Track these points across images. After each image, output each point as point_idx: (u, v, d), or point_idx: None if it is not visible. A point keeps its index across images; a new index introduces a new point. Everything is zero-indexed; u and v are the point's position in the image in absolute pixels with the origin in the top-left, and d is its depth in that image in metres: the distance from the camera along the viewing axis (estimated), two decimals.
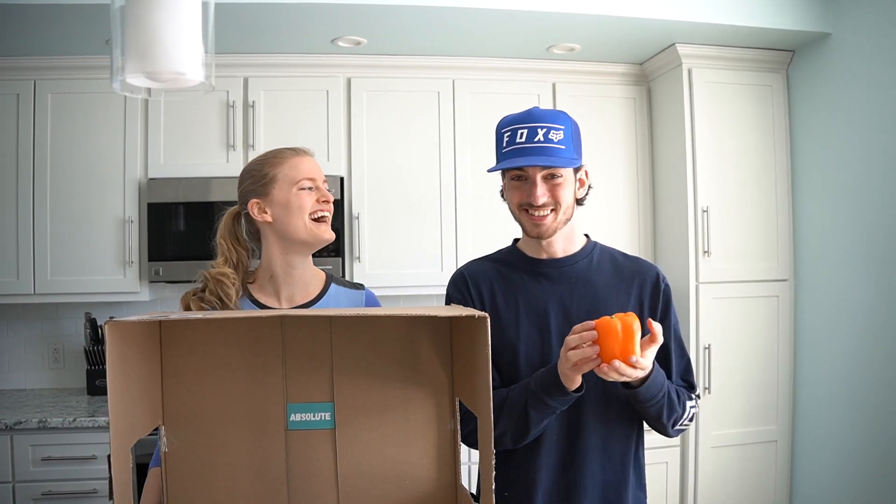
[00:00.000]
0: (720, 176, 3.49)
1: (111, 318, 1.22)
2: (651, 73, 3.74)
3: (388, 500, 1.60)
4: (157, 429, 1.52)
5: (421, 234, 3.57)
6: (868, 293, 3.14)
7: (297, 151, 1.81)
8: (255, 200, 1.80)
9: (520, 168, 1.65)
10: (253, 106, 3.45)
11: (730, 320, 3.48)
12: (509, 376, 1.74)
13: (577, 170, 1.70)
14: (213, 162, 3.44)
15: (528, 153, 1.61)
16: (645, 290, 1.74)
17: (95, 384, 3.52)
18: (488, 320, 1.29)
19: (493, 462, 1.32)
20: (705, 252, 3.43)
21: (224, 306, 1.80)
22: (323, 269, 1.93)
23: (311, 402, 1.58)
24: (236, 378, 1.56)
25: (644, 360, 1.48)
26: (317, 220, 1.75)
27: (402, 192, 3.55)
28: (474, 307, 1.74)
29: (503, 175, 1.75)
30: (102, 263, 3.40)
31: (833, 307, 3.35)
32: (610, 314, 1.58)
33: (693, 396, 1.76)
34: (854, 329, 3.21)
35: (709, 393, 3.43)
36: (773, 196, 3.58)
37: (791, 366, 3.57)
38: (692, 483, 3.45)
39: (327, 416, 1.58)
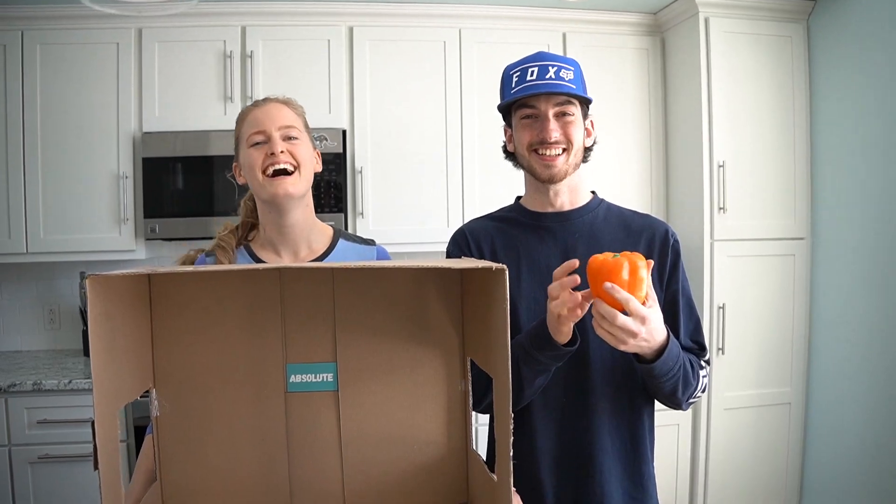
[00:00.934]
0: (737, 130, 3.38)
1: (85, 273, 1.11)
2: (665, 23, 3.61)
3: (395, 465, 1.51)
4: (147, 392, 1.43)
5: (426, 188, 3.48)
6: (887, 253, 3.05)
7: (256, 104, 1.68)
8: (235, 163, 1.73)
9: (531, 106, 1.58)
10: (251, 56, 3.34)
11: (745, 279, 3.39)
12: (511, 335, 1.63)
13: (585, 115, 1.64)
14: (210, 115, 3.33)
15: (541, 87, 1.56)
16: (654, 246, 1.65)
17: None
18: (507, 272, 1.18)
19: (511, 427, 1.22)
20: (721, 208, 3.32)
21: None
22: (330, 225, 1.81)
23: (312, 363, 1.49)
24: (232, 337, 1.46)
25: (653, 313, 1.36)
26: (272, 175, 1.62)
27: (407, 145, 3.45)
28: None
29: (509, 122, 1.69)
30: (97, 221, 3.32)
31: (851, 267, 3.26)
32: None
33: (704, 363, 1.68)
34: (872, 289, 3.12)
35: (722, 354, 3.35)
36: (791, 152, 3.47)
37: (806, 327, 3.49)
38: (703, 446, 3.38)
39: (329, 377, 1.49)
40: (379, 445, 1.50)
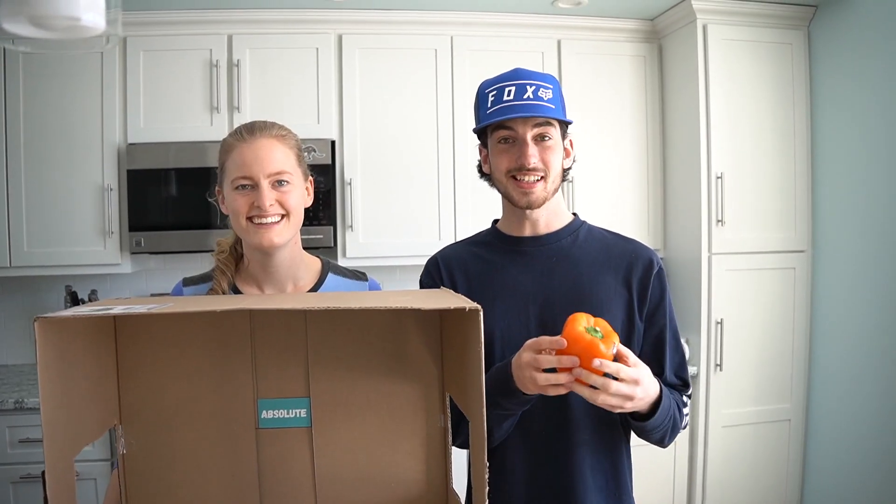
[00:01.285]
0: (736, 140, 3.30)
1: (38, 316, 1.04)
2: (662, 30, 3.54)
3: None
4: (113, 428, 1.37)
5: (417, 200, 3.42)
6: (889, 266, 2.98)
7: (242, 137, 1.53)
8: (217, 188, 1.62)
9: (509, 128, 1.50)
10: (238, 65, 3.27)
11: (743, 293, 3.31)
12: (487, 364, 1.55)
13: (563, 135, 1.57)
14: (196, 126, 3.27)
15: (516, 110, 1.48)
16: (635, 272, 1.57)
17: None
18: (480, 313, 1.11)
19: (487, 468, 1.15)
20: (719, 221, 3.25)
21: None
22: (319, 257, 1.73)
23: (284, 398, 1.44)
24: (201, 372, 1.41)
25: (641, 371, 1.34)
26: (257, 223, 1.52)
27: (397, 156, 3.39)
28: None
29: (485, 142, 1.61)
30: (81, 234, 3.25)
31: (852, 280, 3.18)
32: (594, 297, 1.53)
33: (686, 399, 1.61)
34: (874, 303, 3.04)
35: (720, 370, 3.28)
36: (792, 162, 3.40)
37: (807, 341, 3.42)
38: (700, 465, 3.31)
39: (303, 412, 1.44)
40: (355, 484, 1.44)
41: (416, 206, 3.40)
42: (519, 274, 1.60)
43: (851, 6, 3.15)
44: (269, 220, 1.51)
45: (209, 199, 1.67)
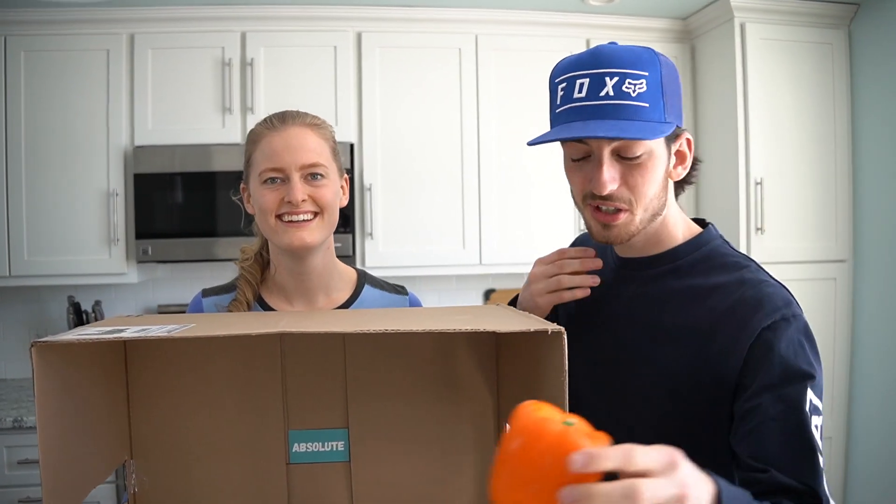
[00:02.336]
0: (775, 145, 3.18)
1: (35, 341, 0.88)
2: (696, 30, 3.43)
3: None
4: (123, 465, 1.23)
5: (440, 207, 3.31)
6: None
7: (272, 125, 1.39)
8: (243, 185, 1.46)
9: (579, 139, 1.13)
10: (251, 64, 3.17)
11: None
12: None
13: (673, 141, 1.18)
14: (207, 127, 3.17)
15: (588, 114, 1.10)
16: (726, 328, 1.13)
17: None
18: (564, 336, 0.94)
19: None
20: (758, 229, 3.12)
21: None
22: (354, 267, 1.57)
23: (319, 429, 1.31)
24: (223, 399, 1.28)
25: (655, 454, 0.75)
26: (287, 221, 1.36)
27: (420, 160, 3.28)
28: None
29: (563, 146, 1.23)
30: (85, 242, 3.15)
31: (895, 291, 3.06)
32: (658, 355, 1.18)
33: None
34: None
35: None
36: (833, 168, 3.28)
37: (848, 355, 3.29)
38: None
39: (340, 445, 1.31)
40: None
41: (439, 212, 3.30)
42: (603, 299, 1.29)
43: (895, 4, 3.03)
44: (301, 217, 1.34)
45: (233, 199, 1.50)
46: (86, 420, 1.06)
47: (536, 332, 0.99)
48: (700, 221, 1.30)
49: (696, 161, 1.24)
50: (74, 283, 3.21)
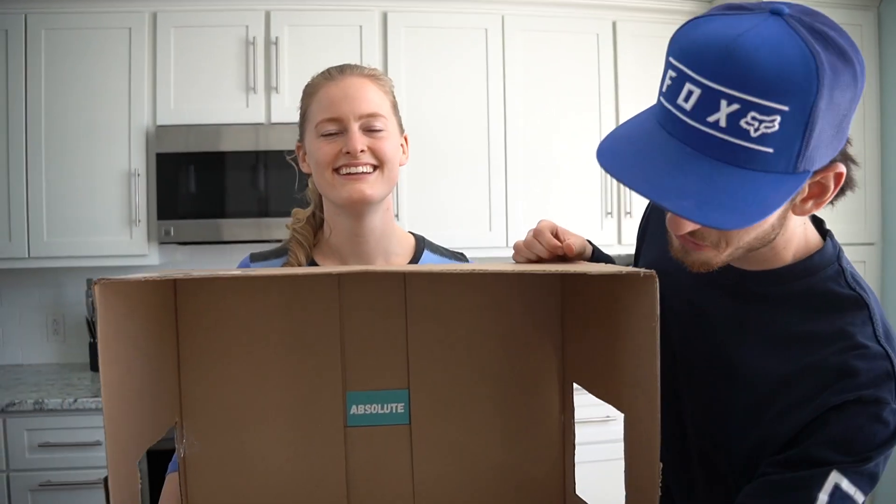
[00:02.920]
0: None
1: (93, 280, 0.85)
2: None
3: None
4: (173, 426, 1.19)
5: (466, 189, 3.31)
6: None
7: (330, 76, 1.35)
8: (298, 143, 1.41)
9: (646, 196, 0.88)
10: (276, 43, 3.17)
11: None
12: None
13: (811, 175, 0.85)
14: (231, 107, 3.17)
15: (684, 136, 0.83)
16: (795, 390, 0.95)
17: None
18: (657, 280, 0.89)
19: (659, 478, 0.92)
20: None
21: None
22: (412, 233, 1.53)
23: (378, 391, 1.27)
24: (278, 360, 1.25)
25: None
26: (345, 174, 1.31)
27: (445, 141, 3.27)
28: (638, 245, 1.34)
29: None
30: (105, 223, 3.14)
31: None
32: (717, 380, 1.03)
33: None
34: None
35: None
36: (861, 150, 3.29)
37: None
38: None
39: (400, 407, 1.27)
40: (459, 491, 1.27)
41: (465, 195, 3.30)
42: (687, 307, 1.10)
43: None
44: (361, 169, 1.29)
45: (287, 159, 1.45)
46: (141, 374, 1.03)
47: (627, 275, 0.95)
48: (818, 224, 1.08)
49: (846, 188, 0.97)
50: (94, 265, 3.19)
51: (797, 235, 1.00)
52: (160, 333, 1.12)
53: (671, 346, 1.08)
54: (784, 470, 0.91)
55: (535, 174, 3.34)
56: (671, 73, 0.84)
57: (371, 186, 1.29)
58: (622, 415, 1.02)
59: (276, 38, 3.16)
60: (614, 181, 3.30)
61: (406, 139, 1.42)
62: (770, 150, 0.79)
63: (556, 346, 1.25)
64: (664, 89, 0.86)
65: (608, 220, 3.37)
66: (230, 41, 3.16)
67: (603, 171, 3.23)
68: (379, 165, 1.31)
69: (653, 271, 0.89)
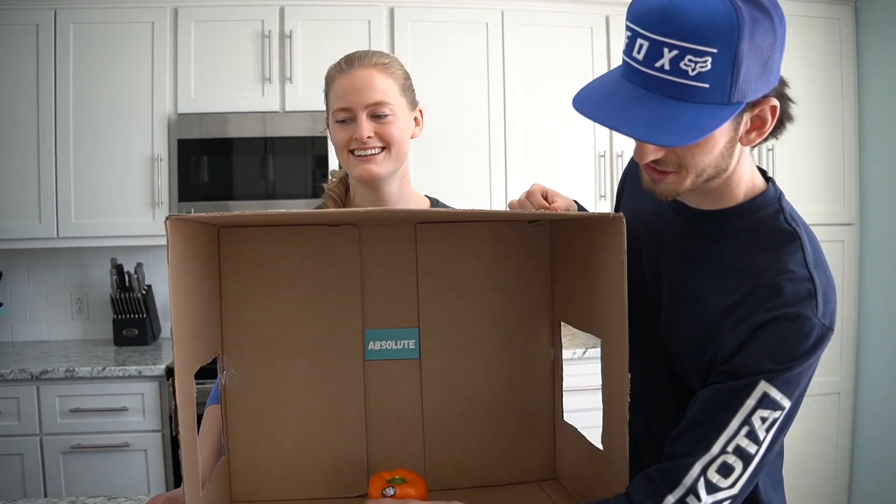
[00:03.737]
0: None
1: (170, 215, 1.04)
2: None
3: (479, 440, 1.44)
4: (216, 358, 1.35)
5: (468, 172, 3.46)
6: None
7: (340, 68, 1.51)
8: (326, 119, 1.58)
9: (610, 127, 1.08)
10: (290, 36, 3.30)
11: None
12: None
13: (751, 108, 1.04)
14: (247, 96, 3.31)
15: (640, 81, 1.00)
16: (737, 313, 1.11)
17: (122, 334, 3.41)
18: (623, 221, 1.09)
19: (628, 388, 1.12)
20: None
21: None
22: (428, 196, 1.71)
23: (393, 328, 1.42)
24: (306, 301, 1.39)
25: None
26: (358, 156, 1.49)
27: (449, 127, 3.40)
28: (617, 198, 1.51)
29: None
30: (130, 205, 3.28)
31: None
32: (706, 307, 1.15)
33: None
34: None
35: None
36: (840, 135, 3.47)
37: (856, 315, 3.46)
38: None
39: (411, 344, 1.42)
40: (462, 417, 1.43)
41: (466, 178, 3.45)
42: (663, 245, 1.27)
43: None
44: (369, 151, 1.47)
45: (321, 133, 1.65)
46: (196, 306, 1.18)
47: (600, 217, 1.14)
48: (763, 174, 1.22)
49: (784, 121, 1.12)
50: (118, 245, 3.34)
51: (745, 178, 1.16)
52: (208, 274, 1.28)
53: (645, 283, 1.28)
54: (726, 379, 1.07)
55: (532, 160, 3.48)
56: (627, 32, 1.02)
57: (379, 166, 1.48)
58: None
59: (290, 31, 3.29)
60: (608, 167, 3.49)
61: (421, 112, 1.59)
62: (706, 86, 0.96)
63: (546, 289, 1.43)
64: (624, 47, 1.03)
65: (602, 202, 3.51)
66: (247, 34, 3.29)
67: (596, 157, 3.43)
68: (386, 147, 1.48)
69: (620, 214, 1.09)
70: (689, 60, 0.95)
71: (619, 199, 1.50)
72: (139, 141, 3.26)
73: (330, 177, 1.65)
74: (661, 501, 1.06)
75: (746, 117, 1.05)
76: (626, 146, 3.52)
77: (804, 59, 3.35)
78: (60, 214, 3.24)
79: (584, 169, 3.51)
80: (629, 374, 1.11)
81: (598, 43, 3.52)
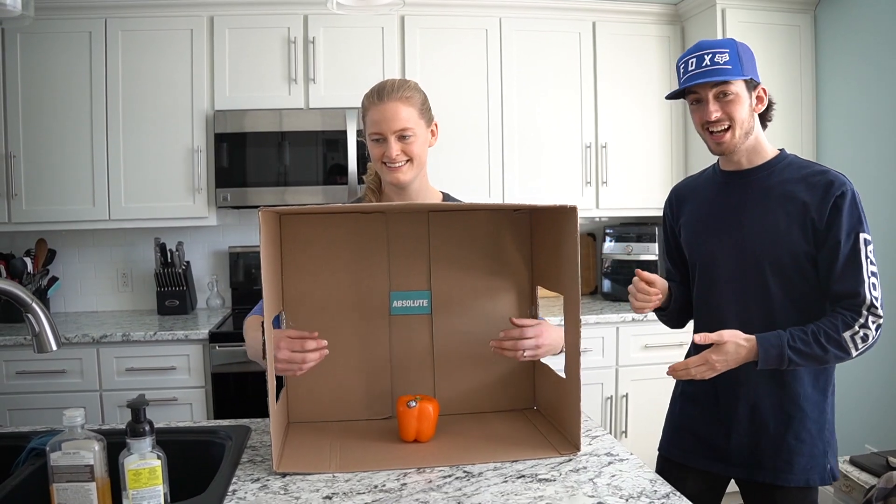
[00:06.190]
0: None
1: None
2: (685, 13, 3.87)
3: (477, 377, 1.82)
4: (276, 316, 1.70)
5: (468, 168, 3.76)
6: (894, 237, 3.21)
7: (373, 101, 1.84)
8: (365, 132, 1.93)
9: (695, 92, 1.83)
10: (313, 42, 3.59)
11: None
12: (695, 278, 2.05)
13: (752, 89, 1.82)
14: (276, 94, 3.60)
15: (695, 77, 1.80)
16: (814, 194, 1.77)
17: (165, 304, 3.74)
18: (577, 211, 1.52)
19: (581, 330, 1.55)
20: None
21: None
22: (441, 191, 2.05)
23: (411, 291, 1.79)
24: (346, 269, 1.77)
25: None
26: (389, 167, 1.84)
27: (452, 122, 3.66)
28: (671, 222, 2.09)
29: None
30: (173, 191, 3.57)
31: None
32: (778, 223, 1.80)
33: (856, 320, 1.72)
34: (882, 277, 3.15)
35: None
36: (799, 137, 3.70)
37: None
38: None
39: (425, 302, 1.80)
40: (464, 361, 1.81)
41: (467, 171, 3.73)
42: (724, 202, 1.93)
43: None
44: (397, 164, 1.83)
45: (359, 139, 2.03)
46: (270, 271, 1.56)
47: (560, 207, 1.56)
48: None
49: (771, 103, 1.88)
50: (163, 226, 3.65)
51: (766, 144, 1.89)
52: (274, 250, 1.66)
53: (705, 243, 1.97)
54: (839, 245, 1.75)
55: (526, 150, 3.75)
56: (681, 66, 1.85)
57: (404, 174, 1.85)
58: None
59: (313, 37, 3.57)
60: (593, 157, 3.81)
61: (436, 125, 1.96)
62: (730, 67, 1.77)
63: (527, 261, 1.83)
64: (681, 75, 1.85)
65: (588, 189, 3.79)
66: (275, 40, 3.57)
67: (583, 147, 3.70)
68: (409, 159, 1.85)
69: (575, 204, 1.52)
70: (719, 55, 1.77)
71: (672, 217, 2.13)
72: (181, 134, 3.56)
73: (368, 171, 2.03)
74: (858, 314, 1.72)
75: (753, 94, 1.81)
76: (609, 138, 3.83)
77: (768, 63, 3.59)
78: (112, 199, 3.54)
79: (572, 158, 3.80)
80: (581, 321, 1.55)
81: (586, 46, 3.79)
